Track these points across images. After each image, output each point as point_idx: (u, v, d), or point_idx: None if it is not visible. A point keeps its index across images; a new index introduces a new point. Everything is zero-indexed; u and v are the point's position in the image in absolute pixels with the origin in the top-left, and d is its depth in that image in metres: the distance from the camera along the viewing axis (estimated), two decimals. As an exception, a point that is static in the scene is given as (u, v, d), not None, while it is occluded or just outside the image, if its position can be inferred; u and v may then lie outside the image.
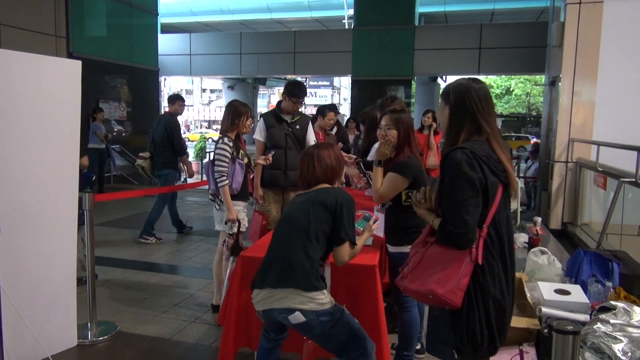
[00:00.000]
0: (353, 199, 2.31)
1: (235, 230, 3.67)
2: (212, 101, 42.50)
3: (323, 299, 2.15)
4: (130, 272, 5.05)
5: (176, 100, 6.22)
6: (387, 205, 2.76)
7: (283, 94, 4.29)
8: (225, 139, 3.67)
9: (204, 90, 43.01)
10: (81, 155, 5.30)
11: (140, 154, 6.16)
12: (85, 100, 3.48)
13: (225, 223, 3.67)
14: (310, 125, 4.46)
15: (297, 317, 2.11)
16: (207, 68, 15.09)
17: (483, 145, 1.81)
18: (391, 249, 2.86)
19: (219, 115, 33.21)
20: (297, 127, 4.32)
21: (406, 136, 2.74)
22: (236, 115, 3.75)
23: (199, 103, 42.78)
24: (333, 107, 5.42)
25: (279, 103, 4.43)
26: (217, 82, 32.63)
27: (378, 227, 2.79)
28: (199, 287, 4.52)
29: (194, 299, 4.27)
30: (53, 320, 3.20)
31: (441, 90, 2.05)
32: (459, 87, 1.87)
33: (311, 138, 4.42)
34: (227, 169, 3.61)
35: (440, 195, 1.84)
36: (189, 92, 43.78)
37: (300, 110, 4.41)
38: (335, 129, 6.62)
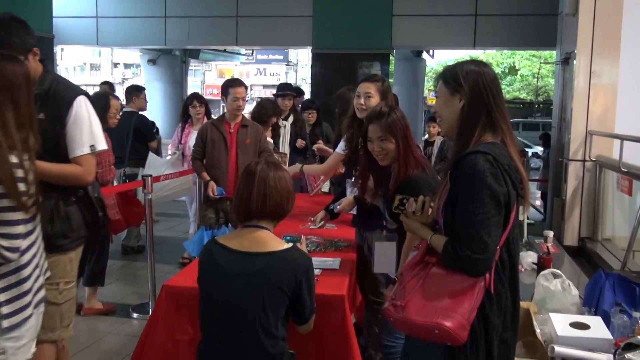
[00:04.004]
0: (311, 260, 2.25)
1: None
2: (127, 79, 41.68)
3: None
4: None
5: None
6: (395, 227, 2.67)
7: None
8: None
9: (115, 65, 42.18)
10: None
11: None
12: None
13: None
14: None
15: None
16: (120, 36, 14.76)
17: (502, 150, 1.84)
18: None
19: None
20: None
21: (406, 142, 2.68)
22: None
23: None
24: (240, 82, 5.10)
25: None
26: (134, 55, 31.93)
27: (389, 263, 2.73)
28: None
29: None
30: None
31: (441, 74, 1.99)
32: (471, 73, 1.89)
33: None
34: None
35: (446, 207, 1.88)
36: (95, 67, 42.86)
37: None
38: (291, 118, 6.55)
